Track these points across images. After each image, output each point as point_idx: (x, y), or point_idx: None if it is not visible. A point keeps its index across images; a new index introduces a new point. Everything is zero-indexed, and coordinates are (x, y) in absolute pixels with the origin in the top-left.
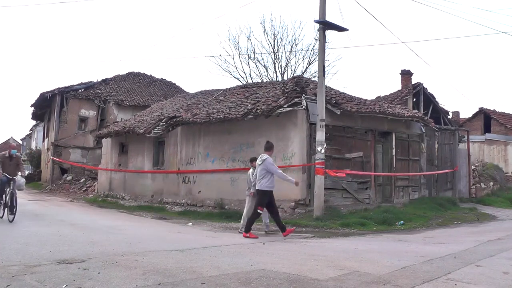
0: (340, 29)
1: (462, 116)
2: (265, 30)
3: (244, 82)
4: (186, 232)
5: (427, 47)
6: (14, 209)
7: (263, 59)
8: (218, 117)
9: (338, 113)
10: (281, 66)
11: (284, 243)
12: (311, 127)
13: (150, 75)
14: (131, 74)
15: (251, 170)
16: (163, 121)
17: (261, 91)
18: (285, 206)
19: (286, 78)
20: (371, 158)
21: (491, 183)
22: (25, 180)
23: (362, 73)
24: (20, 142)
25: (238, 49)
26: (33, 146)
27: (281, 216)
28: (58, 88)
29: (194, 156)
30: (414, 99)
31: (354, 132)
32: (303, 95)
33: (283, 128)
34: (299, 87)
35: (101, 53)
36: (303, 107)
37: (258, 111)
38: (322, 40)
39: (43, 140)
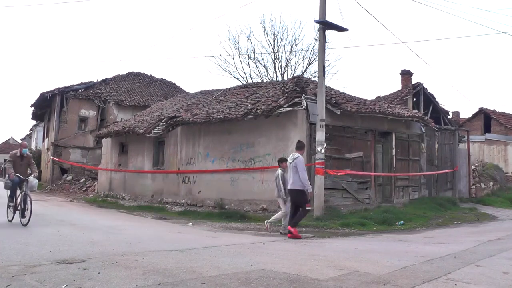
0: (340, 29)
1: (462, 116)
2: (265, 30)
3: (244, 82)
4: (186, 232)
5: (427, 47)
6: (27, 212)
7: (263, 59)
8: (218, 117)
9: (338, 113)
10: (281, 66)
11: (284, 243)
12: (311, 127)
13: (150, 75)
14: (131, 74)
15: (280, 171)
16: (163, 121)
17: (261, 91)
18: None
19: (286, 78)
20: (371, 158)
21: (491, 183)
22: (37, 181)
23: (362, 73)
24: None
25: (238, 49)
26: (33, 146)
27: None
28: (58, 88)
29: (194, 156)
30: (414, 99)
31: (354, 132)
32: (303, 95)
33: (283, 128)
34: (299, 87)
35: (101, 53)
36: (303, 107)
37: (258, 111)
38: (322, 40)
39: (43, 140)
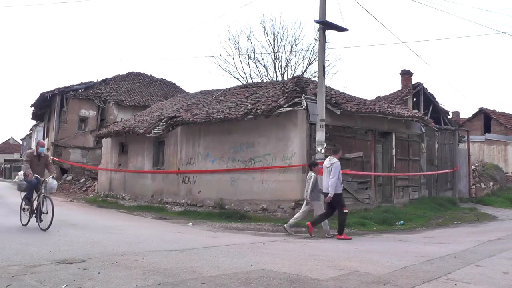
0: (340, 29)
1: (462, 116)
2: (265, 30)
3: (244, 82)
4: (186, 232)
5: (427, 47)
6: (46, 216)
7: (263, 59)
8: (218, 117)
9: (338, 113)
10: (281, 66)
11: (284, 243)
12: (311, 127)
13: (150, 75)
14: (131, 74)
15: (314, 174)
16: (163, 121)
17: (261, 91)
18: (285, 206)
19: (286, 78)
20: (371, 158)
21: (491, 183)
22: (57, 183)
23: (362, 73)
24: (20, 142)
25: (238, 49)
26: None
27: (280, 216)
28: (58, 88)
29: (194, 156)
30: (414, 99)
31: (354, 132)
32: (303, 95)
33: (283, 128)
34: (299, 87)
35: (101, 53)
36: (303, 107)
37: (258, 111)
38: (322, 40)
39: (43, 140)
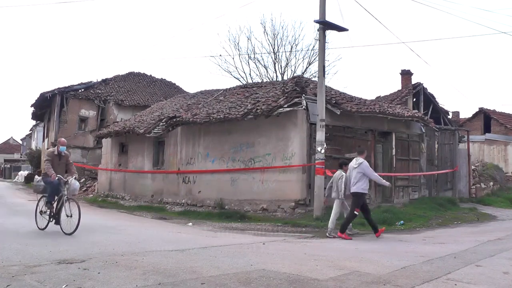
0: (340, 29)
1: (462, 116)
2: (265, 30)
3: (244, 82)
4: (186, 232)
5: (427, 47)
6: (71, 219)
7: (263, 59)
8: (218, 117)
9: (338, 113)
10: (281, 66)
11: (284, 243)
12: (311, 127)
13: (150, 75)
14: (131, 74)
15: (344, 174)
16: (163, 121)
17: (261, 91)
18: (285, 206)
19: (286, 78)
20: (371, 158)
21: (491, 183)
22: (79, 184)
23: (362, 73)
24: (20, 142)
25: (238, 49)
26: (33, 146)
27: (280, 216)
28: (58, 88)
29: (194, 156)
30: (414, 99)
31: (354, 132)
32: (303, 95)
33: (283, 128)
34: (299, 87)
35: (101, 53)
36: (303, 107)
37: (258, 111)
38: (322, 40)
39: (43, 140)
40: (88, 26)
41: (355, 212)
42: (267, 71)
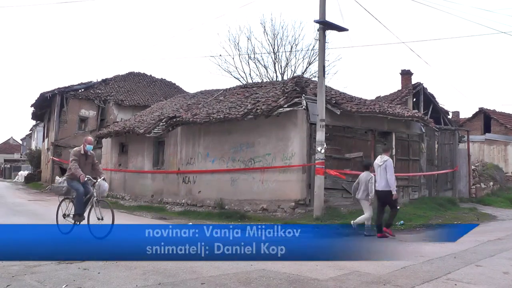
0: (340, 29)
1: (462, 116)
2: (265, 30)
3: (244, 82)
4: None
5: (427, 47)
6: (100, 222)
7: (263, 59)
8: (218, 117)
9: (338, 113)
10: (281, 66)
11: None
12: (311, 127)
13: (150, 75)
14: (131, 74)
15: (372, 175)
16: (163, 121)
17: (261, 91)
18: (285, 206)
19: (286, 78)
20: (371, 158)
21: (491, 183)
22: (108, 185)
23: (362, 73)
24: (20, 142)
25: (238, 49)
26: (33, 146)
27: (280, 216)
28: (58, 88)
29: (194, 156)
30: (414, 99)
31: (354, 132)
32: (303, 95)
33: (283, 128)
34: (299, 87)
35: (101, 53)
36: (303, 107)
37: (258, 111)
38: (322, 40)
39: (43, 140)
40: (88, 26)
41: (398, 206)
42: (267, 71)
